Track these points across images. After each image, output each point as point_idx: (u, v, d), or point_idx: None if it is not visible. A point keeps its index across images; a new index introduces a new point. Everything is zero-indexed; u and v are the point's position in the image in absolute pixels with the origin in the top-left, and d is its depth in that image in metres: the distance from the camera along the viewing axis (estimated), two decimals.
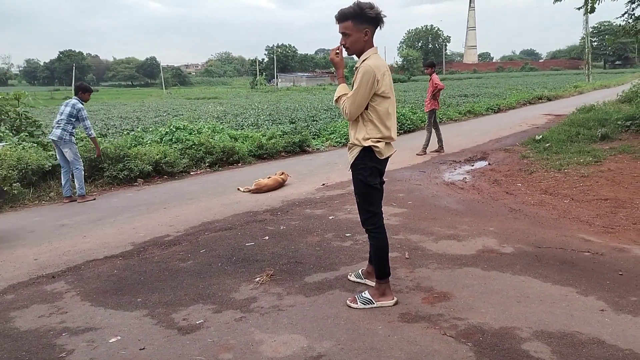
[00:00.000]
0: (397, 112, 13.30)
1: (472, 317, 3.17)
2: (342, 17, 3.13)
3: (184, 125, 10.55)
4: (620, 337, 2.82)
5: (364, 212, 3.36)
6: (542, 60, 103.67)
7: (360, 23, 3.12)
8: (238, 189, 7.37)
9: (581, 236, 4.62)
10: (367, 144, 3.18)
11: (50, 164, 7.77)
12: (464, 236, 4.78)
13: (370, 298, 3.37)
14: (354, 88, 3.14)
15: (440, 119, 15.88)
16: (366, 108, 3.17)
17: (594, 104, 14.81)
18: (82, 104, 7.42)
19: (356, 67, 3.23)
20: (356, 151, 3.24)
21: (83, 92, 7.54)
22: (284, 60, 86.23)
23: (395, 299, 3.42)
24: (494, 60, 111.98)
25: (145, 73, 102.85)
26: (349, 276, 3.85)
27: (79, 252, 4.86)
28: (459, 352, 2.77)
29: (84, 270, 4.37)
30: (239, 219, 5.74)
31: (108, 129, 14.83)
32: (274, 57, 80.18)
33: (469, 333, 2.97)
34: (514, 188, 6.76)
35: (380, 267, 3.39)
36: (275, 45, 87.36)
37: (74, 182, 7.33)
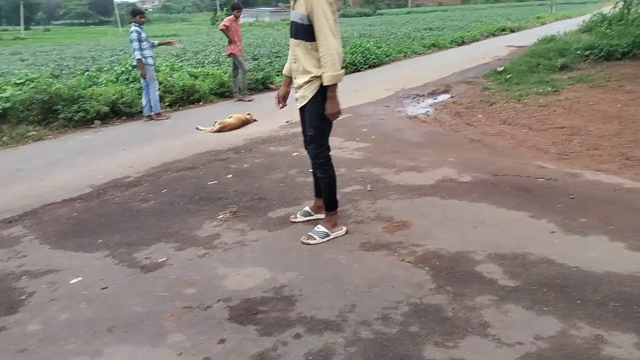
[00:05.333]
0: (362, 46, 12.83)
1: (430, 243, 3.27)
2: None
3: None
4: (569, 256, 2.97)
5: (318, 146, 3.34)
6: None
7: None
8: (197, 129, 7.22)
9: (537, 163, 4.75)
10: None
11: (1, 107, 7.42)
12: (424, 167, 4.85)
13: (326, 231, 3.42)
14: (318, 21, 3.01)
15: (405, 52, 15.79)
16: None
17: (555, 34, 14.86)
18: (137, 26, 8.06)
19: None
20: (317, 84, 3.15)
21: (133, 16, 8.24)
22: None
23: (345, 227, 3.51)
24: None
25: (99, 10, 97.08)
26: (291, 218, 3.75)
27: (36, 196, 4.73)
28: (416, 276, 2.88)
29: (42, 214, 4.28)
30: (201, 158, 5.66)
31: (61, 70, 14.12)
32: None
33: (426, 258, 3.08)
34: (474, 119, 6.84)
35: (331, 199, 3.45)
36: None
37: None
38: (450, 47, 17.94)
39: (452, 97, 8.69)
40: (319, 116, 3.25)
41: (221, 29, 9.48)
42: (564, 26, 19.12)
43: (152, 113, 8.25)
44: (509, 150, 5.30)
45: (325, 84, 3.10)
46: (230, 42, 9.36)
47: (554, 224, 3.42)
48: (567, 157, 4.90)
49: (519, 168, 4.63)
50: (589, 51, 11.15)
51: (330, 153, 3.42)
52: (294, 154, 5.59)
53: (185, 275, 3.06)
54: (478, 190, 4.16)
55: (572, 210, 3.61)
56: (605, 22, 16.02)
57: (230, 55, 9.54)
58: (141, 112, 8.38)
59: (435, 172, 4.71)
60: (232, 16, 9.49)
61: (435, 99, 8.74)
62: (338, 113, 3.21)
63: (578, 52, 11.33)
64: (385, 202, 4.06)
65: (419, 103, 8.45)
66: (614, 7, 17.86)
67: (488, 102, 7.73)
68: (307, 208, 3.79)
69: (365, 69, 13.07)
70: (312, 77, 3.16)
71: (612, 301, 2.51)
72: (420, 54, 16.17)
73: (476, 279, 2.81)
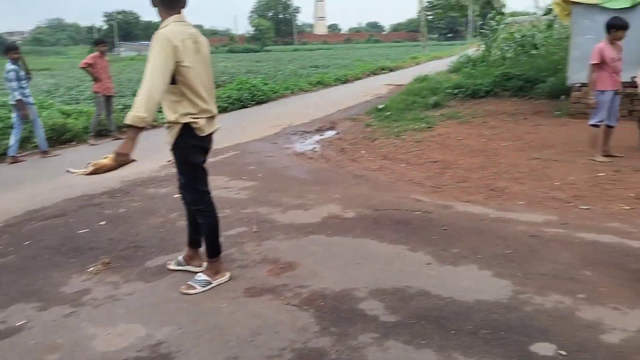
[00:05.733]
0: (249, 82, 12.79)
1: (315, 283, 3.26)
2: None
3: (4, 102, 9.25)
4: (443, 287, 3.11)
5: (192, 192, 3.21)
6: (385, 33, 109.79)
7: None
8: (68, 171, 6.67)
9: (414, 197, 5.00)
10: (185, 120, 2.98)
11: None
12: (311, 205, 4.89)
13: (207, 279, 3.26)
14: (147, 61, 2.84)
15: (292, 89, 16.12)
16: (174, 82, 2.90)
17: (427, 74, 16.14)
18: (13, 64, 7.38)
19: None
20: (175, 130, 3.00)
21: (6, 53, 7.50)
22: (127, 28, 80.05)
23: (229, 273, 3.39)
24: (342, 32, 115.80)
25: None
26: (167, 265, 3.57)
27: None
28: (301, 319, 2.84)
29: None
30: (71, 205, 5.21)
31: None
32: (114, 24, 74.02)
33: (311, 299, 3.06)
34: (358, 155, 7.09)
35: (212, 246, 3.30)
36: (115, 11, 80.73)
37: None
38: (335, 85, 18.68)
39: (337, 133, 8.99)
40: (182, 163, 3.14)
41: (82, 67, 8.83)
42: (436, 66, 20.90)
43: (20, 154, 7.68)
44: (389, 184, 5.54)
45: (124, 121, 2.91)
46: (96, 79, 8.83)
47: (430, 255, 3.59)
48: (441, 189, 5.23)
49: (398, 202, 4.84)
50: (457, 90, 12.25)
51: (211, 195, 3.30)
52: (175, 195, 5.34)
53: (48, 339, 2.73)
54: (361, 226, 4.26)
55: (445, 242, 3.82)
56: (470, 63, 17.78)
57: (95, 92, 9.00)
58: (4, 154, 7.61)
59: (321, 209, 4.76)
60: (97, 52, 8.97)
61: (322, 135, 8.97)
62: (124, 156, 2.88)
63: (448, 90, 12.39)
64: (271, 243, 4.01)
65: (306, 140, 8.61)
66: (477, 50, 19.90)
67: (370, 139, 8.09)
68: (180, 257, 3.59)
69: (252, 105, 13.12)
70: (169, 122, 3.03)
71: (482, 329, 2.65)
72: (306, 91, 16.62)
73: (359, 317, 2.83)
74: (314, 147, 7.85)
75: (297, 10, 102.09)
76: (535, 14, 20.48)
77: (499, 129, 8.20)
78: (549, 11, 15.49)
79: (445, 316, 2.79)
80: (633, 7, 7.71)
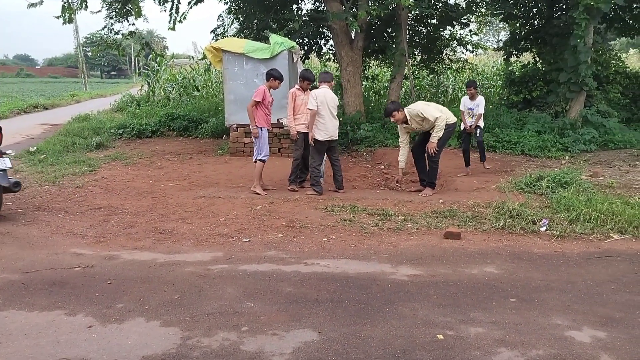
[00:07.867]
0: None
1: None
2: None
3: None
4: (107, 351, 2.80)
5: None
6: (39, 67, 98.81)
7: None
8: None
9: (73, 250, 4.48)
10: None
11: None
12: None
13: None
14: None
15: None
16: None
17: (89, 113, 15.14)
18: None
19: None
20: None
21: None
22: None
23: None
24: None
25: None
26: None
27: None
28: None
29: None
30: None
31: None
32: None
33: None
34: (3, 209, 5.97)
35: None
36: None
37: None
38: None
39: None
40: None
41: None
42: (99, 104, 19.87)
43: None
44: (43, 240, 4.82)
45: None
46: None
47: (92, 316, 3.22)
48: (105, 239, 4.83)
49: (54, 260, 4.23)
50: (122, 130, 11.85)
51: None
52: None
53: None
54: (4, 295, 3.54)
55: (109, 297, 3.50)
56: (134, 102, 17.57)
57: None
58: None
59: None
60: None
61: None
62: None
63: (112, 130, 11.87)
64: None
65: None
66: (141, 89, 19.87)
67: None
68: None
69: None
70: None
71: None
72: None
73: None
74: None
75: None
76: (194, 57, 21.84)
77: (166, 169, 8.23)
78: (205, 56, 16.75)
79: None
80: (273, 57, 8.93)
